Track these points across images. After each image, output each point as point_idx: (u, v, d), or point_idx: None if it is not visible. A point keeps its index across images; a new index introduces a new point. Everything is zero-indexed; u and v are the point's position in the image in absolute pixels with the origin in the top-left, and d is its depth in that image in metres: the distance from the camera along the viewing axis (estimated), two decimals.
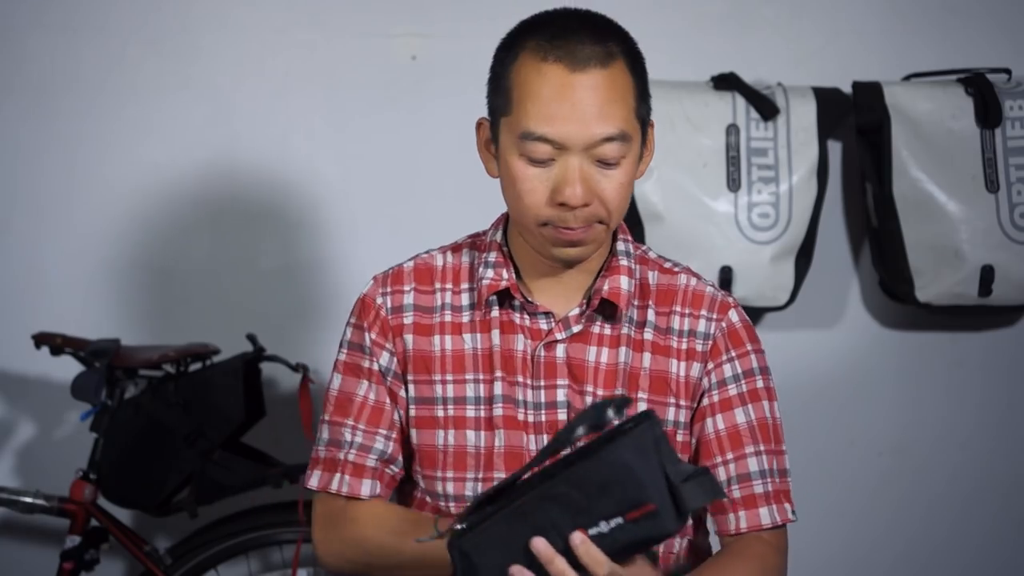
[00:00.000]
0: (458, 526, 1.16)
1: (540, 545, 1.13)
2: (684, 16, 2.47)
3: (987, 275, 2.29)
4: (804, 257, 2.35)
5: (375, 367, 1.46)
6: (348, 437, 1.44)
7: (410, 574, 1.39)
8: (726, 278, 2.28)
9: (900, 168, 2.31)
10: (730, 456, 1.43)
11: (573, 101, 1.30)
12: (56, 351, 2.24)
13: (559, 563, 1.13)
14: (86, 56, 2.42)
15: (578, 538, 1.12)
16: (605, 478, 1.12)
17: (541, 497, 1.14)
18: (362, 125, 2.46)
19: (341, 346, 1.51)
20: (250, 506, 2.33)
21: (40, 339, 2.24)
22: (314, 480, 1.46)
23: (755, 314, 2.44)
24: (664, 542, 1.17)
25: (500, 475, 1.42)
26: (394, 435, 1.45)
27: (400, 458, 1.46)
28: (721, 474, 1.43)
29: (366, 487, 1.43)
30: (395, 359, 1.46)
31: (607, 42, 1.33)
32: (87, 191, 2.44)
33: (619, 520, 1.13)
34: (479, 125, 1.44)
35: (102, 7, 2.42)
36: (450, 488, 1.44)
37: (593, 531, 1.13)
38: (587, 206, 1.33)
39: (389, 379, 1.46)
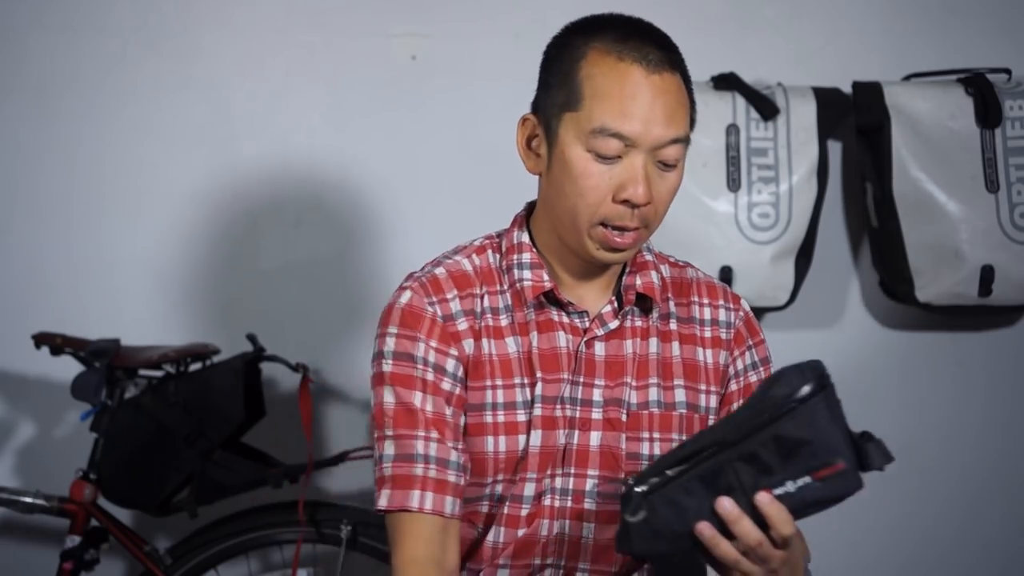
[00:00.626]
0: (638, 488, 1.17)
1: (726, 504, 1.14)
2: (684, 16, 2.47)
3: (987, 275, 2.29)
4: (804, 257, 2.35)
5: (430, 377, 1.39)
6: (421, 450, 1.37)
7: None
8: (726, 278, 2.28)
9: (900, 168, 2.31)
10: None
11: (649, 101, 1.33)
12: (56, 351, 2.24)
13: (745, 523, 1.14)
14: (86, 56, 2.42)
15: (766, 498, 1.14)
16: (800, 438, 1.14)
17: (731, 459, 1.15)
18: (362, 125, 2.46)
19: (383, 357, 1.41)
20: (250, 506, 2.33)
21: (40, 339, 2.24)
22: (384, 500, 1.36)
23: (755, 314, 2.44)
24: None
25: (532, 475, 1.41)
26: (460, 445, 1.40)
27: (467, 467, 1.41)
28: None
29: (448, 504, 1.37)
30: (461, 365, 1.42)
31: (671, 52, 1.37)
32: (87, 191, 2.44)
33: (807, 479, 1.14)
34: (523, 121, 1.43)
35: (102, 7, 2.42)
36: (499, 490, 1.43)
37: (779, 491, 1.14)
38: (646, 205, 1.35)
39: (457, 387, 1.41)
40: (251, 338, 2.31)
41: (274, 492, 2.31)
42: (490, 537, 1.43)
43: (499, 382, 1.42)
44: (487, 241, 1.51)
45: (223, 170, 2.45)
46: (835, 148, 2.48)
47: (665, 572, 1.22)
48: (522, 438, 1.42)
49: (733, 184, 2.30)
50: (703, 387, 1.48)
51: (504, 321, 1.44)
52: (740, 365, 1.51)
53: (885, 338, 2.54)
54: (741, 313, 1.53)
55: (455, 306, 1.43)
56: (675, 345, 1.48)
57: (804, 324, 2.51)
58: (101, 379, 2.18)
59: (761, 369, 1.52)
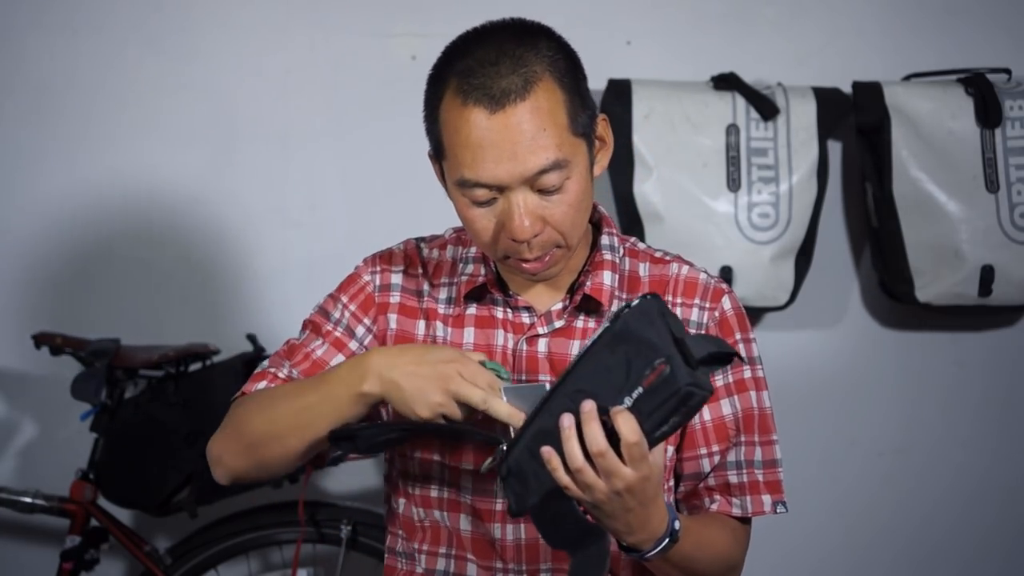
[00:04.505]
0: (503, 447, 1.18)
1: (586, 406, 1.13)
2: (684, 16, 2.47)
3: (987, 275, 2.29)
4: (804, 257, 2.35)
5: (338, 333, 1.46)
6: (283, 373, 1.45)
7: (298, 425, 1.35)
8: (726, 278, 2.28)
9: (900, 168, 2.31)
10: (715, 448, 1.41)
11: (498, 143, 1.27)
12: (56, 351, 2.24)
13: (595, 425, 1.13)
14: (86, 56, 2.42)
15: (616, 409, 1.12)
16: (618, 353, 1.14)
17: (564, 393, 1.15)
18: (362, 125, 2.46)
19: (313, 309, 1.52)
20: (250, 506, 2.33)
21: (40, 339, 2.24)
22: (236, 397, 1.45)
23: (755, 314, 2.44)
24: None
25: (468, 465, 1.41)
26: None
27: None
28: (705, 465, 1.42)
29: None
30: (371, 336, 1.46)
31: (525, 66, 1.28)
32: (87, 191, 2.44)
33: (639, 390, 1.13)
34: (430, 156, 1.42)
35: (102, 7, 2.42)
36: (416, 468, 1.44)
37: (618, 408, 1.14)
38: (538, 235, 1.32)
39: (353, 346, 1.46)
40: (251, 338, 2.31)
41: (274, 492, 2.31)
42: (450, 523, 1.43)
43: None
44: (453, 235, 1.53)
45: (223, 170, 2.45)
46: (835, 148, 2.48)
47: (545, 525, 1.21)
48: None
49: (733, 184, 2.30)
50: None
51: (442, 310, 1.46)
52: None
53: (885, 338, 2.54)
54: (717, 313, 1.43)
55: (396, 279, 1.48)
56: None
57: (804, 324, 2.51)
58: (101, 379, 2.19)
59: (730, 372, 1.42)
